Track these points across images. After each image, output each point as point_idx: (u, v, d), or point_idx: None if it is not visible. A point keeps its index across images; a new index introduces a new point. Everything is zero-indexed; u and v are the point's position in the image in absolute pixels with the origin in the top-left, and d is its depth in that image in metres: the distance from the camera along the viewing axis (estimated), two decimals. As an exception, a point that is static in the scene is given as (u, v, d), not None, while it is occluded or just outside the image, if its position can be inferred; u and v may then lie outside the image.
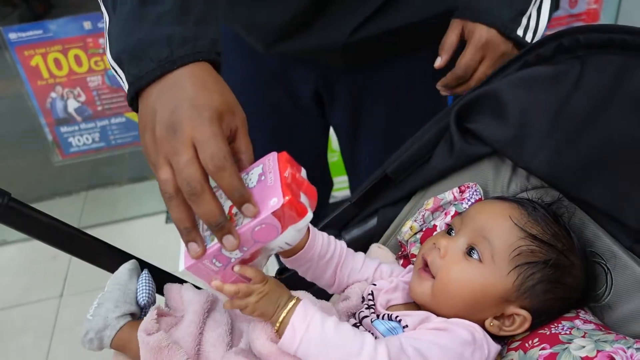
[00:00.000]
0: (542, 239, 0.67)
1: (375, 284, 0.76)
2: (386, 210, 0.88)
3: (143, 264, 0.85)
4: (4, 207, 0.67)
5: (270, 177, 0.57)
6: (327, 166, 1.41)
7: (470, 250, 0.68)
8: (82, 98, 1.96)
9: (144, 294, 0.74)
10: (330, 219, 0.91)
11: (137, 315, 0.74)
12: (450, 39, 0.91)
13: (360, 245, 0.89)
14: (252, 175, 0.60)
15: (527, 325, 0.66)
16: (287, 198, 0.54)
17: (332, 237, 0.77)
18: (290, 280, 0.77)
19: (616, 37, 0.66)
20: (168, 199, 0.55)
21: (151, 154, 0.56)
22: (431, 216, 0.84)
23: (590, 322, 0.66)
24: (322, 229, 0.92)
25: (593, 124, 0.69)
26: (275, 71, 1.07)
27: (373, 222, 0.89)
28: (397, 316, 0.69)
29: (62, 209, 2.21)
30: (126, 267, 0.76)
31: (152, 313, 0.71)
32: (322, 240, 0.74)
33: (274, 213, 0.54)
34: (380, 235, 0.89)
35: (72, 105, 1.97)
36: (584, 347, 0.59)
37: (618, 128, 0.66)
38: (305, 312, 0.61)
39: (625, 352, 0.57)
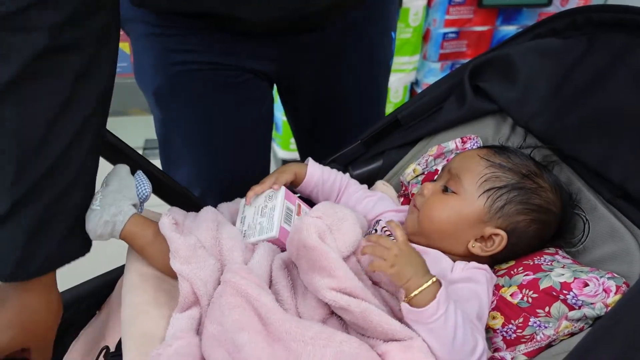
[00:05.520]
0: (505, 166, 0.77)
1: (380, 220, 0.85)
2: (392, 152, 0.97)
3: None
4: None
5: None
6: None
7: (445, 188, 0.79)
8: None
9: (144, 188, 0.77)
10: (338, 155, 0.99)
11: (137, 208, 0.76)
12: None
13: (366, 180, 0.97)
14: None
15: (504, 243, 0.75)
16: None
17: (331, 169, 0.91)
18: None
19: (628, 17, 0.75)
20: None
21: None
22: (434, 161, 0.92)
23: (568, 258, 0.76)
24: (328, 163, 1.00)
25: (593, 92, 0.78)
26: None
27: (379, 162, 0.97)
28: None
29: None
30: (122, 166, 0.79)
31: (169, 218, 0.74)
32: (320, 170, 0.88)
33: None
34: (385, 173, 0.97)
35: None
36: (563, 274, 0.69)
37: (616, 97, 0.75)
38: (447, 293, 0.63)
39: (598, 280, 0.67)
